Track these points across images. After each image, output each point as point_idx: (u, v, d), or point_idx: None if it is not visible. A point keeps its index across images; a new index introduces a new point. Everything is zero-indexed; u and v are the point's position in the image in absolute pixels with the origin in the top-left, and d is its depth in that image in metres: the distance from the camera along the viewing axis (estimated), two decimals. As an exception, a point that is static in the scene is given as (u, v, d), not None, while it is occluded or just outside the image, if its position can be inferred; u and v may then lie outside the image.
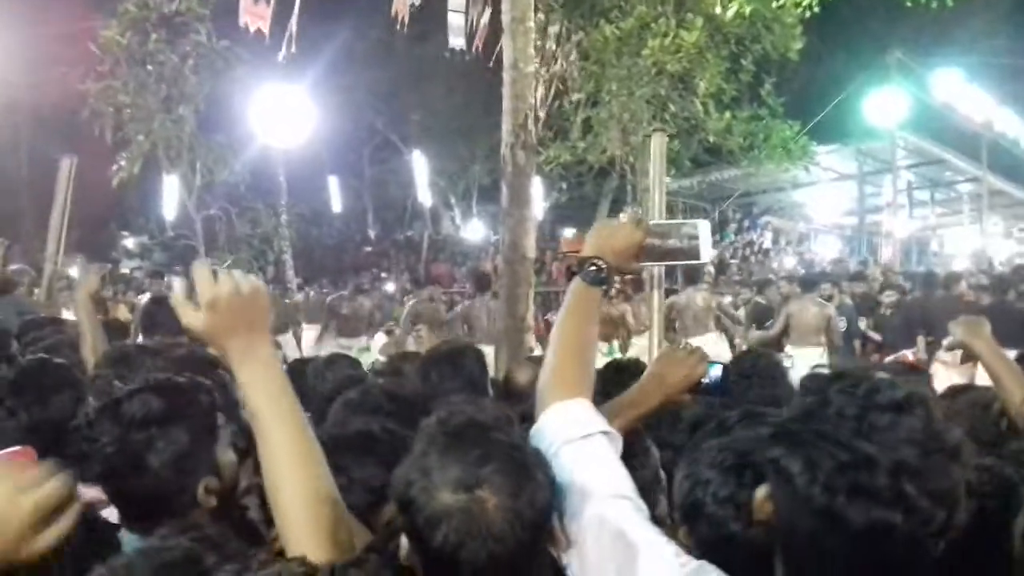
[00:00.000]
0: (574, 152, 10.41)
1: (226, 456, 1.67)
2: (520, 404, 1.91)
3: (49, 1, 13.52)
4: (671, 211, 11.85)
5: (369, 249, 24.85)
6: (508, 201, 7.45)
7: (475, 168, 22.86)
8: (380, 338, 10.08)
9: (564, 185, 17.28)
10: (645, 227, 1.76)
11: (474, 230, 24.23)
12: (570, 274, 1.71)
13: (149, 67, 11.46)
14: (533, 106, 7.51)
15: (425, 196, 22.99)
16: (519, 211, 7.41)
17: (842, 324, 8.70)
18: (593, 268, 1.68)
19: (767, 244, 21.35)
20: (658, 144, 4.02)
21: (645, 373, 1.85)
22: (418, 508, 1.25)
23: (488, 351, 9.64)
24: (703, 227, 1.83)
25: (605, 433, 1.48)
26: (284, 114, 12.53)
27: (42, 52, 12.80)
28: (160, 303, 4.61)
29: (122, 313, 8.99)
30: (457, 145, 22.26)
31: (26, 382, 2.24)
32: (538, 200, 11.60)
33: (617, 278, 1.80)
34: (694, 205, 19.95)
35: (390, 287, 16.68)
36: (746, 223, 22.10)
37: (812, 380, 1.24)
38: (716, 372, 1.85)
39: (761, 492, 1.24)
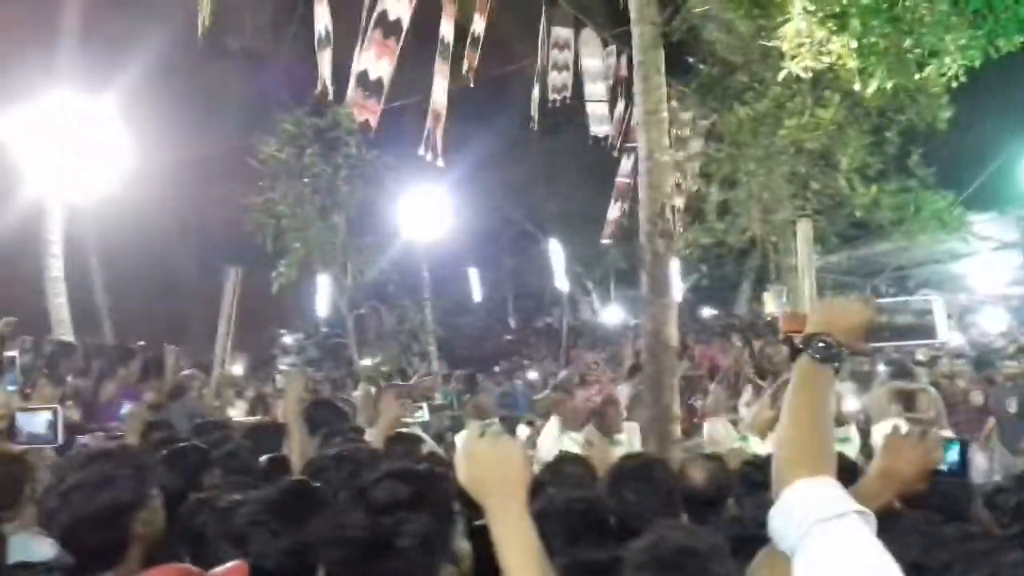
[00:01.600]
0: (713, 234, 10.31)
1: (463, 545, 1.70)
2: (697, 504, 1.82)
3: (213, 122, 14.78)
4: (820, 288, 11.45)
5: (509, 337, 25.14)
6: (648, 289, 7.41)
7: (611, 253, 22.91)
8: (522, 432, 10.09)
9: (704, 267, 17.04)
10: (875, 304, 1.71)
11: (612, 314, 24.14)
12: (793, 352, 1.67)
13: (305, 180, 12.27)
14: (669, 194, 7.52)
15: (562, 283, 23.09)
16: (660, 299, 7.36)
17: (1012, 406, 8.05)
18: (822, 344, 1.63)
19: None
20: (804, 230, 3.94)
21: (873, 467, 1.76)
22: None
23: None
24: (937, 303, 1.76)
25: (860, 512, 1.42)
26: (427, 211, 13.07)
27: (209, 169, 13.93)
28: (320, 405, 4.86)
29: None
30: (592, 232, 22.46)
31: (288, 503, 2.27)
32: (677, 283, 11.47)
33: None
34: (844, 282, 19.20)
35: (532, 375, 16.73)
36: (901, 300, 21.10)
37: None
38: (954, 455, 1.73)
39: None
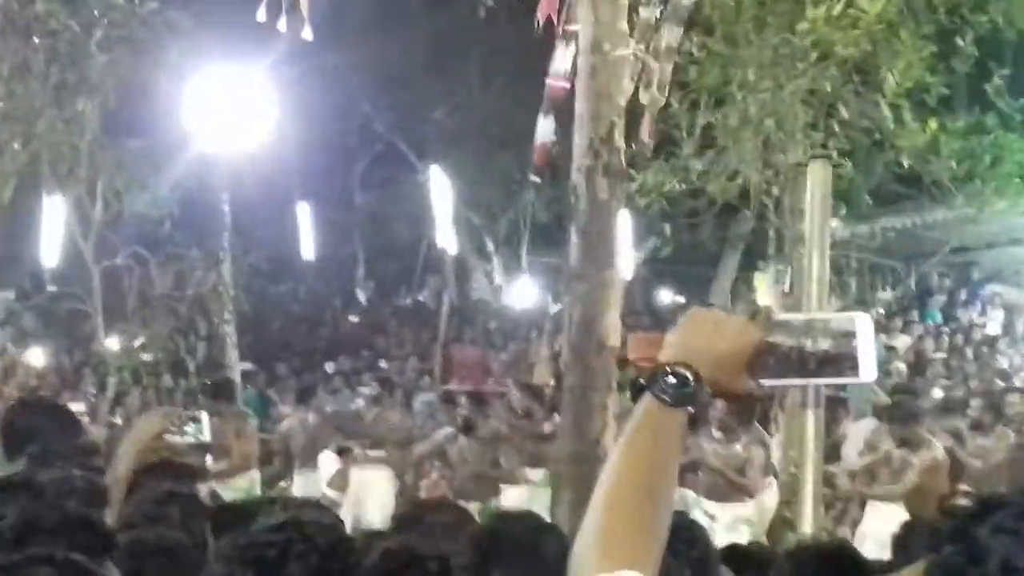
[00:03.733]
0: (686, 177, 10.48)
1: None
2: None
3: None
4: (837, 271, 11.82)
5: (357, 319, 25.03)
6: (580, 256, 7.51)
7: (527, 197, 23.04)
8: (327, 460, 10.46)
9: (668, 228, 17.29)
10: (766, 321, 1.76)
11: (522, 292, 24.30)
12: (637, 388, 1.73)
13: (35, 39, 11.85)
14: (622, 109, 7.61)
15: (447, 238, 23.15)
16: (597, 272, 7.48)
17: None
18: (675, 380, 1.70)
19: (994, 329, 21.03)
20: (820, 178, 4.07)
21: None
22: None
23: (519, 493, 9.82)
24: (862, 323, 1.80)
25: None
26: (234, 108, 12.84)
27: None
28: (30, 408, 4.75)
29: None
30: (500, 160, 22.52)
31: None
32: (627, 249, 11.57)
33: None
34: (875, 264, 19.81)
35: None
36: (961, 295, 21.83)
37: None
38: None
39: None
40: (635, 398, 1.72)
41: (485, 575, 2.91)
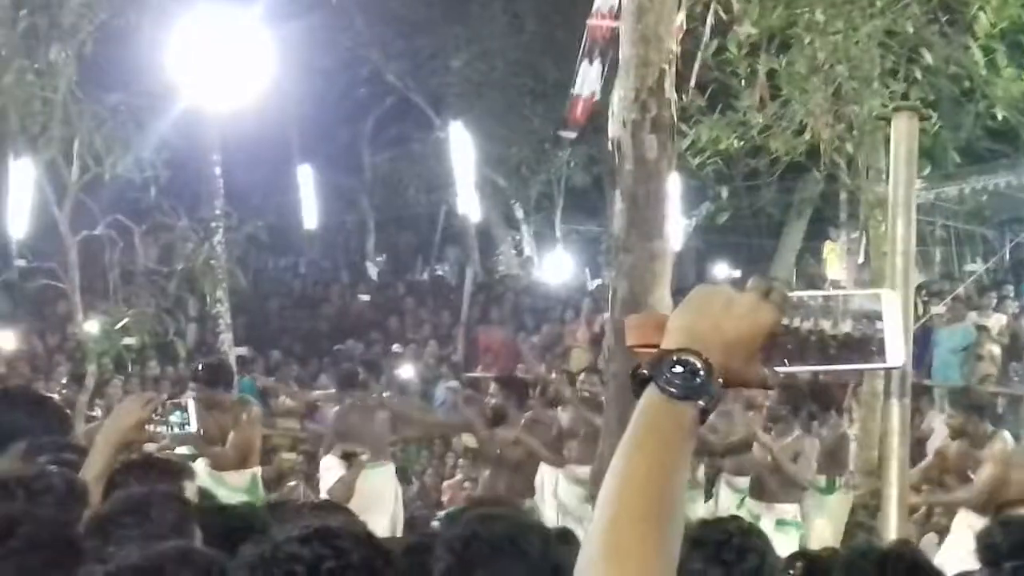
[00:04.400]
0: (745, 133, 10.48)
1: None
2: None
3: None
4: (920, 240, 11.76)
5: (367, 297, 25.11)
6: (625, 223, 7.51)
7: (561, 157, 23.04)
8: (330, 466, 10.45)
9: (724, 192, 17.29)
10: (781, 299, 1.76)
11: (557, 267, 24.32)
12: (640, 380, 1.71)
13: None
14: (674, 54, 7.59)
15: (470, 204, 23.19)
16: (644, 243, 7.47)
17: None
18: (682, 369, 1.69)
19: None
20: (904, 130, 4.06)
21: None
22: None
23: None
24: (888, 301, 1.81)
25: None
26: (227, 58, 12.87)
27: None
28: (10, 399, 4.81)
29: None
30: (530, 115, 22.50)
31: None
32: (677, 216, 11.54)
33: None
34: (964, 232, 19.71)
35: (406, 370, 16.81)
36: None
37: None
38: None
39: None
40: (638, 392, 1.71)
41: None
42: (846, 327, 1.79)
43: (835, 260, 19.33)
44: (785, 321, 1.75)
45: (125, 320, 13.43)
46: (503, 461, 9.88)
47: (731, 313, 1.72)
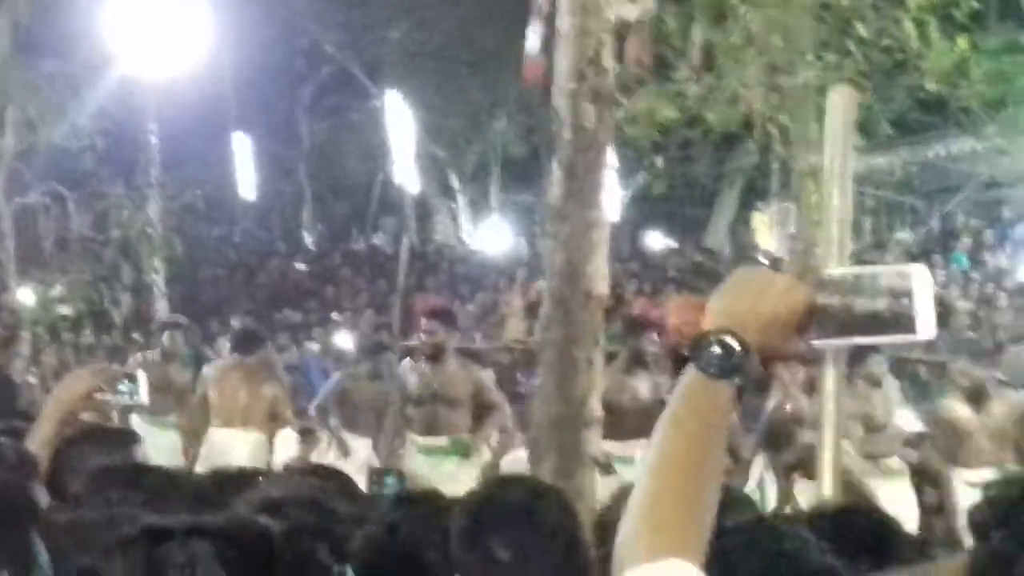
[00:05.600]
0: (681, 104, 10.49)
1: None
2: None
3: None
4: (857, 211, 11.82)
5: (304, 266, 25.00)
6: (563, 192, 7.51)
7: (497, 127, 23.01)
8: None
9: (660, 161, 17.30)
10: (815, 280, 1.83)
11: (493, 236, 24.31)
12: (679, 358, 1.81)
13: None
14: (612, 26, 7.59)
15: (406, 174, 23.08)
16: (582, 210, 7.47)
17: None
18: (720, 350, 1.76)
19: (1025, 277, 21.19)
20: (842, 103, 4.05)
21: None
22: None
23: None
24: (919, 276, 1.86)
25: None
26: (162, 27, 12.74)
27: None
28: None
29: None
30: (467, 86, 22.43)
31: None
32: (614, 186, 11.56)
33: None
34: (894, 202, 19.90)
35: (343, 340, 16.76)
36: (989, 238, 21.97)
37: None
38: None
39: None
40: (677, 370, 1.79)
41: (482, 542, 2.96)
42: (878, 303, 1.84)
43: (765, 230, 19.49)
44: (819, 299, 1.81)
45: (60, 289, 13.32)
46: (439, 398, 9.73)
47: (768, 293, 1.80)
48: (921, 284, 1.85)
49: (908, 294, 1.85)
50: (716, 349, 1.75)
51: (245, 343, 10.23)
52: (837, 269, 1.97)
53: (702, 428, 1.75)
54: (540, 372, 7.95)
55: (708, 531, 1.71)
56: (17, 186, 13.55)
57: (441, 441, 9.28)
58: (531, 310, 15.23)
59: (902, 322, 1.84)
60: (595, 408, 7.46)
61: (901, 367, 12.07)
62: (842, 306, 1.84)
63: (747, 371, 1.76)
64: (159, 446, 9.06)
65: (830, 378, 3.82)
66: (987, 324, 16.40)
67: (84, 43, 13.19)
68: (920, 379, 12.87)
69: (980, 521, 1.64)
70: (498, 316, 17.79)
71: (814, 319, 1.82)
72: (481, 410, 9.52)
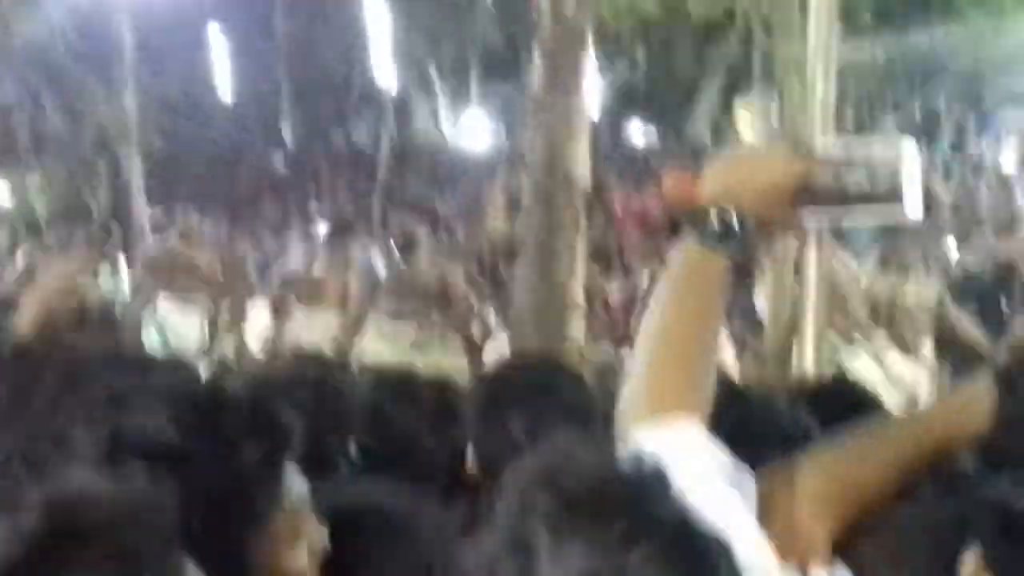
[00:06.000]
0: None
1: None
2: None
3: None
4: (839, 100, 11.83)
5: (282, 162, 24.93)
6: (544, 80, 7.50)
7: (476, 19, 22.86)
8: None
9: (640, 53, 17.28)
10: (808, 153, 1.86)
11: (473, 131, 24.26)
12: (673, 230, 1.84)
13: None
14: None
15: (385, 69, 23.01)
16: (562, 98, 7.49)
17: None
18: (718, 221, 1.81)
19: (1008, 166, 21.27)
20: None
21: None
22: None
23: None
24: (908, 149, 1.89)
25: (729, 476, 1.66)
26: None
27: None
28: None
29: None
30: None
31: None
32: (593, 77, 11.54)
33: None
34: (876, 91, 19.87)
35: (320, 230, 16.79)
36: (970, 124, 22.01)
37: None
38: None
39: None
40: (672, 243, 1.83)
41: (501, 417, 3.01)
42: (868, 175, 1.87)
43: (747, 122, 19.49)
44: (812, 172, 1.85)
45: (37, 184, 13.31)
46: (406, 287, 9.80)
47: (763, 166, 1.86)
48: (910, 156, 1.88)
49: (897, 166, 1.87)
50: (714, 220, 1.80)
51: None
52: (829, 143, 2.00)
53: (700, 297, 1.82)
54: (521, 260, 7.99)
55: (709, 396, 1.78)
56: (-9, 80, 13.48)
57: (406, 328, 9.37)
58: (512, 204, 15.24)
59: (891, 194, 1.87)
60: (577, 295, 7.53)
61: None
62: (834, 179, 1.86)
63: (744, 241, 1.81)
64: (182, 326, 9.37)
65: (813, 257, 3.87)
66: (967, 211, 16.49)
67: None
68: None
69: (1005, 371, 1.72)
70: (480, 209, 17.79)
71: (806, 192, 1.85)
72: (451, 301, 9.65)
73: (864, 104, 19.96)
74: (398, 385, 3.85)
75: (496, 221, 14.41)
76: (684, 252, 1.84)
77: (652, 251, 12.43)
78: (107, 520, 1.66)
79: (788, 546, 1.71)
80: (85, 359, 3.41)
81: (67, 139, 15.39)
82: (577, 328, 7.54)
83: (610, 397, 3.30)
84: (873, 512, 1.83)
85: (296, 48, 25.93)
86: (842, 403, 3.16)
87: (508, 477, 1.42)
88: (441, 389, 3.87)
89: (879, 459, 1.84)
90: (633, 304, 10.08)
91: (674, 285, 1.85)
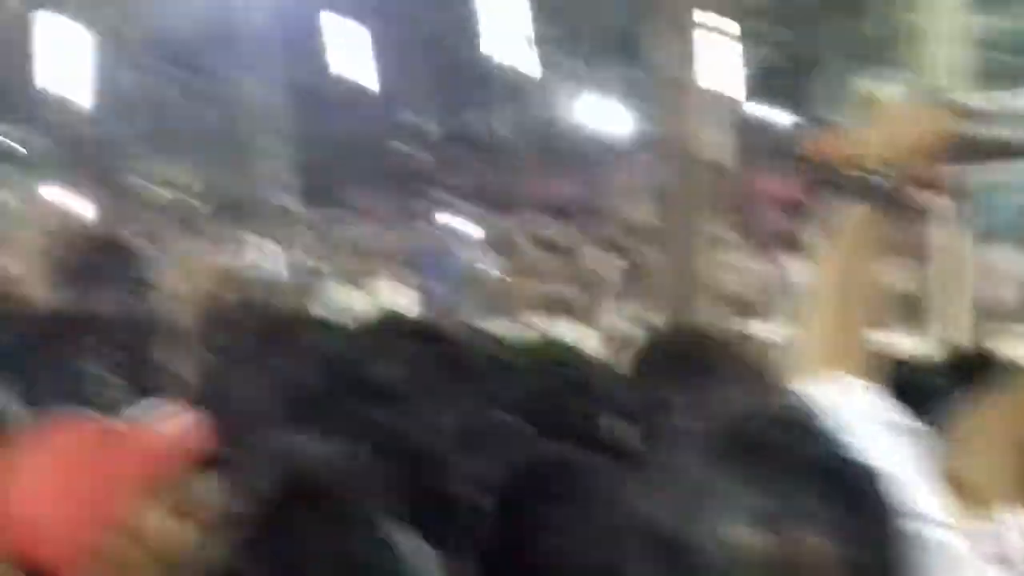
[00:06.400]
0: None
1: None
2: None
3: None
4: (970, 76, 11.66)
5: (426, 155, 25.07)
6: (675, 63, 7.51)
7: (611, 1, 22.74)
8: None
9: (775, 32, 17.09)
10: (957, 109, 1.94)
11: (613, 117, 24.12)
12: (826, 187, 1.95)
13: None
14: None
15: (517, 53, 22.92)
16: (688, 74, 7.46)
17: None
18: (873, 177, 1.89)
19: None
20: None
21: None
22: (696, 552, 1.39)
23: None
24: None
25: (890, 425, 1.75)
26: None
27: None
28: (83, 242, 4.97)
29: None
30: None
31: None
32: (733, 58, 11.39)
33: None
34: (1012, 67, 19.44)
35: (461, 222, 16.92)
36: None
37: None
38: None
39: None
40: (833, 200, 1.93)
41: (660, 388, 3.11)
42: (1013, 129, 1.94)
43: (874, 99, 19.11)
44: (960, 126, 1.91)
45: (190, 174, 13.42)
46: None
47: (913, 122, 1.94)
48: None
49: None
50: (871, 177, 1.87)
51: None
52: (975, 98, 2.06)
53: (862, 253, 1.90)
54: (657, 247, 8.00)
55: (867, 350, 1.87)
56: (138, 65, 13.69)
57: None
58: (647, 189, 15.17)
59: None
60: (721, 281, 7.49)
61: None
62: (982, 132, 1.93)
63: (899, 199, 1.90)
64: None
65: (942, 236, 3.88)
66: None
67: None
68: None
69: None
70: (615, 195, 17.77)
71: (959, 146, 1.92)
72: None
73: (999, 78, 19.57)
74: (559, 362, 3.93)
75: (632, 207, 14.41)
76: (843, 209, 1.90)
77: (789, 234, 12.34)
78: (330, 487, 1.83)
79: (976, 492, 1.76)
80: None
81: (218, 129, 15.53)
82: (713, 310, 7.52)
83: (753, 371, 3.38)
84: None
85: (432, 38, 25.98)
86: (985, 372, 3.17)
87: (681, 430, 1.51)
88: (590, 364, 3.95)
89: None
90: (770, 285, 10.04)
91: (835, 243, 1.91)
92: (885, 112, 1.99)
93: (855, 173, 1.87)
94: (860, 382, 1.79)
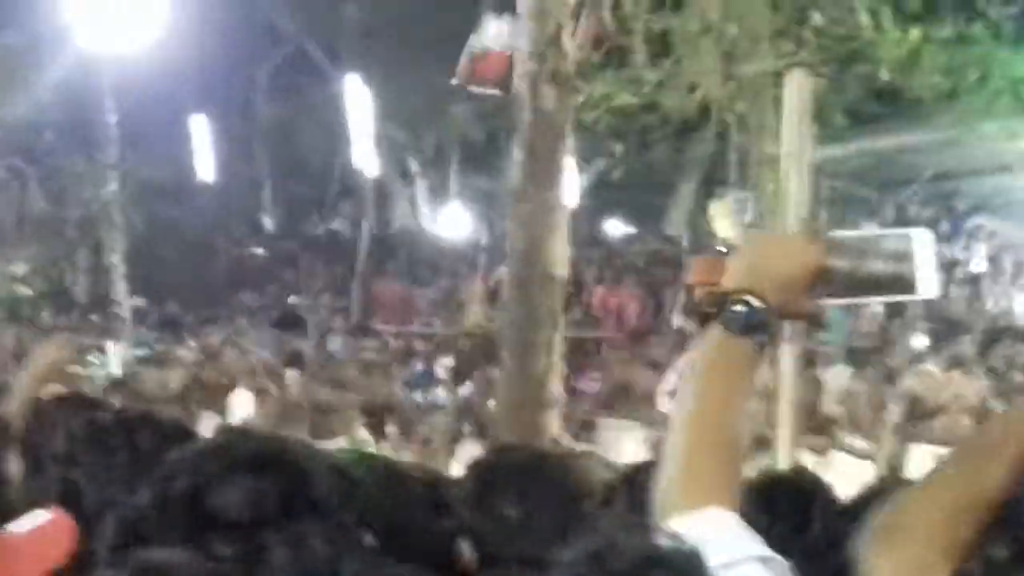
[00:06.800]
0: (638, 90, 10.52)
1: None
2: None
3: None
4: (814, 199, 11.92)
5: (262, 251, 24.88)
6: (523, 176, 7.56)
7: (458, 110, 22.96)
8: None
9: (618, 148, 17.34)
10: (827, 243, 1.95)
11: (452, 222, 24.28)
12: (702, 317, 1.92)
13: None
14: (572, 10, 7.65)
15: (367, 157, 23.04)
16: (542, 192, 7.54)
17: None
18: (743, 308, 1.88)
19: (979, 265, 21.38)
20: (798, 89, 4.15)
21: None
22: None
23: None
24: (919, 240, 2.00)
25: (763, 560, 1.69)
26: (121, 2, 12.68)
27: None
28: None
29: None
30: (427, 67, 22.34)
31: None
32: (572, 173, 11.57)
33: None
34: (849, 192, 19.98)
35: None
36: (943, 228, 22.15)
37: None
38: None
39: None
40: (702, 325, 1.92)
41: (489, 506, 3.08)
42: (881, 265, 1.98)
43: (724, 219, 19.49)
44: (829, 260, 1.94)
45: (21, 267, 13.23)
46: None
47: (783, 254, 1.94)
48: (921, 246, 1.99)
49: (909, 256, 1.98)
50: (739, 308, 1.87)
51: None
52: (843, 233, 2.10)
53: (729, 383, 1.87)
54: (503, 353, 8.01)
55: (740, 480, 1.85)
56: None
57: None
58: (492, 296, 15.24)
59: (903, 283, 1.99)
60: (555, 390, 7.53)
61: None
62: (849, 268, 1.97)
63: (768, 327, 1.87)
64: None
65: (787, 354, 3.93)
66: (940, 314, 16.59)
67: (42, 15, 13.07)
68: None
69: None
70: (458, 302, 17.81)
71: (822, 280, 1.94)
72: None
73: (838, 204, 20.10)
74: (389, 473, 3.86)
75: (475, 315, 14.45)
76: (712, 339, 1.88)
77: (628, 346, 12.48)
78: None
79: None
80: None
81: (50, 221, 15.27)
82: (551, 423, 7.53)
83: (589, 486, 3.38)
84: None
85: (279, 133, 25.95)
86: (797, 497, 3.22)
87: (556, 561, 1.48)
88: (427, 478, 3.91)
89: (979, 479, 1.85)
90: (609, 397, 10.12)
91: (703, 371, 1.89)
92: (756, 242, 1.99)
93: (724, 301, 1.88)
94: (731, 515, 1.76)
